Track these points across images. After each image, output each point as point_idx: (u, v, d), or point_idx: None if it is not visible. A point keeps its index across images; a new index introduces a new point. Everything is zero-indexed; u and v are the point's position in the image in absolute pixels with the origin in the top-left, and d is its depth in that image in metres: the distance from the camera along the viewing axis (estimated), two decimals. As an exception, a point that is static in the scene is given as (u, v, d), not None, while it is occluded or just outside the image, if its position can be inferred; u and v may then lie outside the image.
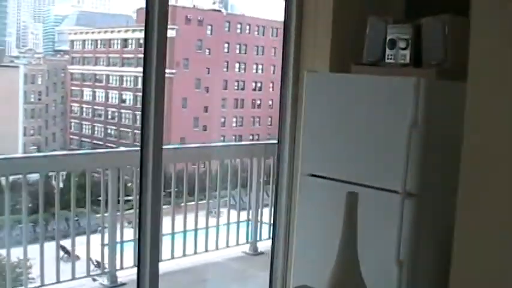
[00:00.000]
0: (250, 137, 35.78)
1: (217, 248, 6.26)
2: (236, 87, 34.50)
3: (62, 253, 12.57)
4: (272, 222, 5.35)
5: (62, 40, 41.19)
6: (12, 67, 34.81)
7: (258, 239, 6.60)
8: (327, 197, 4.39)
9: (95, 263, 12.03)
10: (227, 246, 6.43)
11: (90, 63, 37.52)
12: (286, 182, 5.29)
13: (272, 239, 5.19)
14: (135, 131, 36.09)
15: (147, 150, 4.10)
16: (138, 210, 4.21)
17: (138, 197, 4.21)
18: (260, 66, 35.50)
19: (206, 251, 6.22)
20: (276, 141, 5.29)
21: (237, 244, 6.53)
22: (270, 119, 36.77)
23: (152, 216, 4.11)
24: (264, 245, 6.48)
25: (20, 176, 4.97)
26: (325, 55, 4.61)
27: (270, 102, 36.40)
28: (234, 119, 34.57)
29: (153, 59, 3.94)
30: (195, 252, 6.17)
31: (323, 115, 4.42)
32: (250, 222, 6.60)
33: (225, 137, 35.02)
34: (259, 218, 6.52)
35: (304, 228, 4.55)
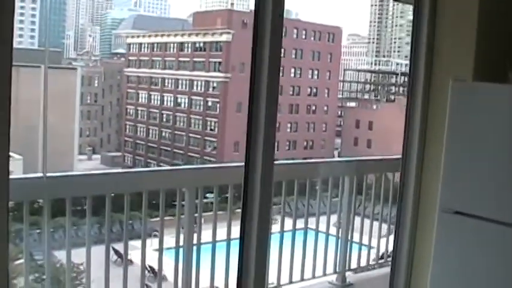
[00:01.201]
0: (305, 143, 35.62)
1: (302, 279, 5.37)
2: (291, 93, 34.41)
3: (115, 256, 12.51)
4: (392, 257, 4.65)
5: (118, 43, 41.69)
6: (70, 69, 35.41)
7: (347, 267, 5.58)
8: (477, 239, 3.55)
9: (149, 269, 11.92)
10: (313, 277, 5.35)
11: (146, 66, 37.92)
12: (411, 214, 4.46)
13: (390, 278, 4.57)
14: (190, 134, 36.26)
15: (255, 166, 3.37)
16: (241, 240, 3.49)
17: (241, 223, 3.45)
18: (316, 72, 35.33)
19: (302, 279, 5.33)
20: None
21: (324, 274, 5.53)
22: (324, 125, 36.58)
23: (258, 256, 3.42)
24: (354, 277, 5.62)
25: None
26: (467, 63, 4.02)
27: (325, 108, 36.22)
28: (289, 125, 34.45)
29: (263, 67, 3.36)
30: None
31: (474, 135, 3.55)
32: (339, 248, 5.52)
33: (279, 143, 34.92)
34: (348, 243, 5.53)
35: (442, 274, 3.71)
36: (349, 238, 5.34)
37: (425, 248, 4.26)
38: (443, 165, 3.67)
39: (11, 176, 2.64)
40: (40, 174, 4.18)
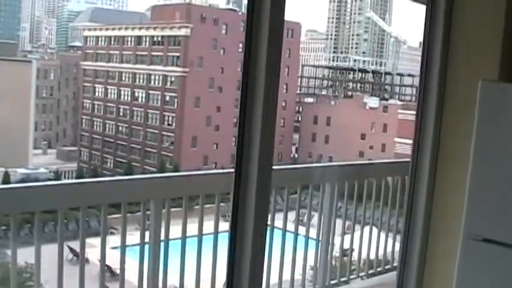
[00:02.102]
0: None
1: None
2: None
3: (70, 255, 12.17)
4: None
5: (75, 36, 41.05)
6: (25, 61, 34.76)
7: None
8: (507, 269, 3.02)
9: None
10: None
11: (103, 59, 37.45)
12: (420, 244, 3.85)
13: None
14: (147, 129, 35.87)
15: (249, 173, 2.86)
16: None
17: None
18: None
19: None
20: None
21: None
22: (282, 120, 36.61)
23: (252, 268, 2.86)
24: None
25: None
26: (492, 64, 3.56)
27: (284, 104, 36.24)
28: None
29: (261, 65, 2.78)
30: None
31: (506, 145, 2.95)
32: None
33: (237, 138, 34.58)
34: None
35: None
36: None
37: (440, 278, 3.81)
38: (469, 184, 3.03)
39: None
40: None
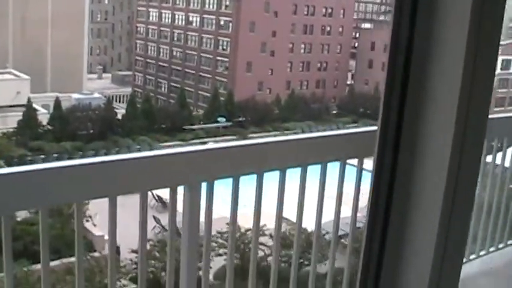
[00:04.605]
0: (318, 65, 34.80)
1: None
2: (306, 13, 33.51)
3: (154, 202, 11.94)
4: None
5: (129, -41, 40.06)
6: (78, -14, 34.18)
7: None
8: None
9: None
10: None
11: (157, -17, 36.58)
12: None
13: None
14: (201, 54, 35.35)
15: None
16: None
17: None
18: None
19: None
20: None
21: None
22: (339, 46, 35.65)
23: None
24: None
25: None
26: None
27: (340, 29, 35.22)
28: (303, 45, 33.63)
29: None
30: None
31: None
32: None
33: (292, 64, 34.16)
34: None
35: None
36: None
37: None
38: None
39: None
40: None
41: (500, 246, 2.85)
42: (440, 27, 1.31)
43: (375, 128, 1.41)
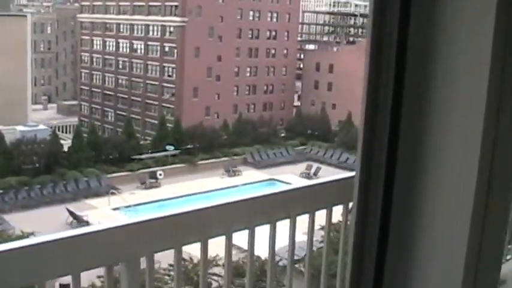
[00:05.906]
0: (265, 87, 35.01)
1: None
2: (250, 36, 33.77)
3: (70, 218, 11.79)
4: None
5: (71, -12, 39.84)
6: (20, 16, 33.97)
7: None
8: None
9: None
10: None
11: (100, 11, 36.66)
12: None
13: None
14: (147, 81, 35.27)
15: None
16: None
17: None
18: (275, 15, 34.69)
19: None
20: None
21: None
22: (284, 68, 36.00)
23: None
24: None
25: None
26: None
27: (285, 51, 35.59)
28: (248, 69, 33.82)
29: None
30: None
31: None
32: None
33: (238, 87, 34.30)
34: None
35: None
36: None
37: None
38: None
39: None
40: None
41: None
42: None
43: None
